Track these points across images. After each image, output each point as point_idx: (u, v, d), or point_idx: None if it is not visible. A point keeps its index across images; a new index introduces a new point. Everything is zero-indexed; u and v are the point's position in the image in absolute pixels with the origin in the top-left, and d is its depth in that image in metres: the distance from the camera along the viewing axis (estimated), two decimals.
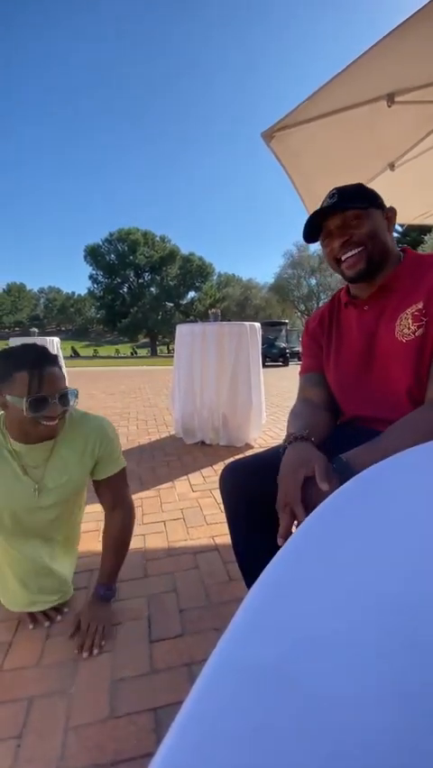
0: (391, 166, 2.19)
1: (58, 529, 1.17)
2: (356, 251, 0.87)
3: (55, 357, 0.97)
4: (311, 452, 0.76)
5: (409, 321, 0.84)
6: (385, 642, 0.23)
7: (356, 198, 0.88)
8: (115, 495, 1.20)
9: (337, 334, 1.03)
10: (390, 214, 0.92)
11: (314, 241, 0.97)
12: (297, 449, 0.78)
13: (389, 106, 1.64)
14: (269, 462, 0.92)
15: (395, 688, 0.20)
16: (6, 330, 63.39)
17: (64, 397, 0.96)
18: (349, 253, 0.88)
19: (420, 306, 0.83)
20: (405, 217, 3.01)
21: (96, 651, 1.05)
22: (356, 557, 0.31)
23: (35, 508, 1.05)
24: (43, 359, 0.94)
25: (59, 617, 1.18)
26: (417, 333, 0.83)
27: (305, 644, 0.23)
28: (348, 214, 0.87)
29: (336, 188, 0.90)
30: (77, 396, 1.02)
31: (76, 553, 1.30)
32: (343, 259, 0.90)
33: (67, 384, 1.00)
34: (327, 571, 0.30)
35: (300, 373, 1.13)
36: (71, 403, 1.00)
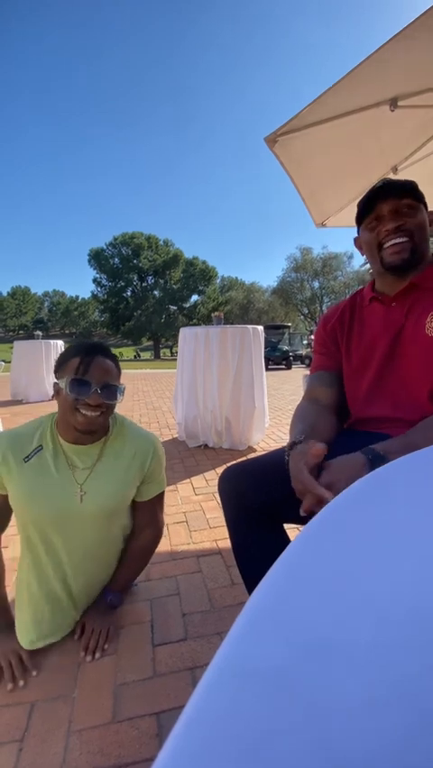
0: (395, 169, 2.19)
1: (98, 545, 1.09)
2: (404, 239, 0.87)
3: (111, 353, 0.99)
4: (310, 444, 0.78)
5: None
6: (390, 647, 0.23)
7: (411, 191, 0.89)
8: (152, 516, 1.19)
9: (359, 331, 1.01)
10: (431, 216, 0.92)
11: (362, 221, 0.96)
12: (294, 457, 0.78)
13: (392, 111, 1.65)
14: (268, 466, 0.92)
15: (400, 694, 0.20)
16: (11, 333, 63.87)
17: (109, 388, 0.95)
18: (396, 240, 0.88)
19: None
20: None
21: (98, 654, 1.05)
22: (360, 561, 0.31)
23: (76, 515, 0.99)
24: (98, 349, 0.96)
25: (34, 673, 1.01)
26: None
27: (308, 649, 0.23)
28: (403, 202, 0.87)
29: (385, 180, 0.92)
30: (123, 393, 1.00)
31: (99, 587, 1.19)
32: (386, 246, 0.90)
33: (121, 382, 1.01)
34: (331, 575, 0.30)
35: (311, 371, 1.11)
36: (117, 399, 0.98)
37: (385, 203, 0.89)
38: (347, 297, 1.11)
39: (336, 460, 0.72)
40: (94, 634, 1.08)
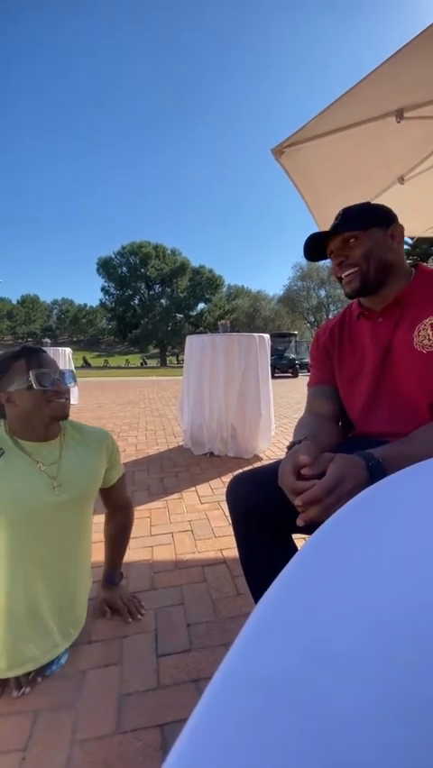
0: (401, 179, 2.20)
1: (75, 539, 1.09)
2: (352, 270, 0.92)
3: (42, 348, 1.05)
4: (302, 443, 0.79)
5: (429, 332, 0.83)
6: (396, 658, 0.23)
7: (356, 220, 0.91)
8: (121, 497, 1.28)
9: (350, 347, 1.02)
10: (395, 231, 0.91)
11: (317, 259, 1.02)
12: (285, 458, 0.78)
13: (398, 122, 1.66)
14: (276, 475, 0.92)
15: (406, 704, 0.20)
16: (20, 340, 64.56)
17: (63, 375, 1.02)
18: (346, 272, 0.93)
19: None
20: (415, 230, 3.02)
21: (143, 612, 1.25)
22: (366, 572, 0.31)
23: (53, 505, 0.99)
24: (34, 347, 1.02)
25: (39, 679, 1.00)
26: None
27: (313, 659, 0.23)
28: (346, 235, 0.92)
29: (342, 210, 0.94)
30: (74, 377, 1.08)
31: (80, 595, 1.15)
32: (342, 277, 0.95)
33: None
34: (336, 585, 0.30)
35: (309, 385, 1.12)
36: (71, 383, 1.05)
37: (332, 240, 0.94)
38: (339, 312, 1.13)
39: (339, 457, 0.70)
40: (128, 602, 1.26)
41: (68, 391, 1.04)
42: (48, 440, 1.04)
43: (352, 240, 0.91)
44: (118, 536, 1.31)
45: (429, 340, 0.83)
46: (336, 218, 0.94)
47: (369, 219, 0.91)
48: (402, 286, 0.92)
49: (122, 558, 1.34)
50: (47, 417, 0.99)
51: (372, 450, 0.71)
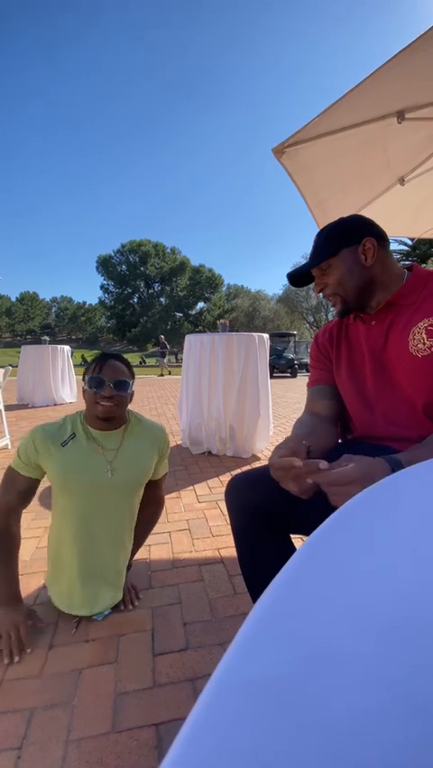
0: (402, 180, 2.20)
1: (125, 521, 1.27)
2: (331, 297, 0.96)
3: (123, 358, 1.22)
4: (286, 440, 0.80)
5: (424, 335, 0.83)
6: (394, 659, 0.23)
7: (325, 246, 0.93)
8: (157, 491, 1.41)
9: (347, 349, 1.03)
10: (366, 245, 0.90)
11: (304, 284, 1.05)
12: (276, 448, 0.79)
13: (399, 123, 1.66)
14: None
15: (404, 706, 0.20)
16: (18, 338, 64.43)
17: (119, 384, 1.15)
18: (329, 299, 0.98)
19: None
20: (414, 231, 3.01)
21: (136, 603, 1.31)
22: (365, 571, 0.31)
23: (107, 485, 1.17)
24: (110, 355, 1.20)
25: (29, 650, 1.11)
26: None
27: (312, 659, 0.23)
28: (320, 267, 0.95)
29: (318, 232, 0.97)
30: (131, 389, 1.21)
31: (124, 569, 1.31)
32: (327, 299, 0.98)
33: (133, 388, 1.23)
34: (335, 585, 0.30)
35: (308, 386, 1.12)
36: (127, 391, 1.18)
37: (313, 270, 0.98)
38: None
39: (364, 458, 0.67)
40: (127, 591, 1.32)
41: (115, 397, 1.15)
42: (111, 429, 1.22)
43: (327, 267, 0.94)
44: (142, 526, 1.39)
45: (424, 344, 0.83)
46: (313, 242, 0.97)
47: (338, 242, 0.92)
48: (394, 289, 0.92)
49: (138, 548, 1.40)
50: (94, 412, 1.17)
51: (398, 455, 0.69)
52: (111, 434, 1.22)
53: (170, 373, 14.85)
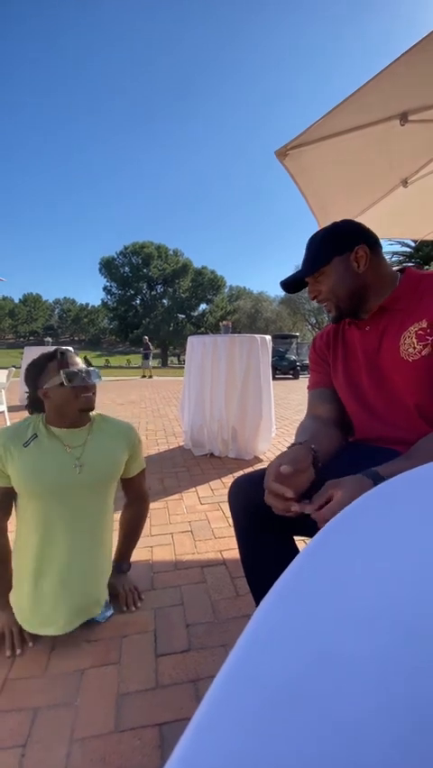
0: (405, 182, 2.20)
1: (98, 521, 1.21)
2: (324, 303, 0.97)
3: (71, 350, 1.18)
4: (292, 449, 0.81)
5: (414, 340, 0.84)
6: (397, 660, 0.23)
7: (317, 255, 0.94)
8: (140, 489, 1.38)
9: (343, 353, 1.04)
10: (359, 253, 0.90)
11: (298, 290, 1.06)
12: (274, 459, 0.80)
13: (402, 125, 1.66)
14: None
15: (408, 707, 0.20)
16: (21, 339, 64.60)
17: (89, 373, 1.14)
18: (323, 305, 0.98)
19: (424, 324, 0.83)
20: (417, 233, 3.01)
21: (139, 605, 1.30)
22: (367, 573, 0.31)
23: (76, 483, 1.13)
24: (63, 350, 1.16)
25: (30, 644, 1.13)
26: (423, 353, 0.83)
27: (315, 661, 0.23)
28: (314, 276, 0.95)
29: (310, 238, 0.98)
30: (99, 375, 1.19)
31: (106, 570, 1.26)
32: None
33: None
34: (338, 587, 0.30)
35: (309, 388, 1.13)
36: (98, 379, 1.17)
37: (308, 279, 0.98)
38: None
39: (347, 482, 0.70)
40: (129, 592, 1.33)
41: (93, 387, 1.16)
42: (78, 427, 1.18)
43: (320, 276, 0.94)
44: (131, 525, 1.40)
45: (414, 348, 0.84)
46: (306, 248, 0.97)
47: (330, 250, 0.92)
48: (387, 294, 0.92)
49: (132, 548, 1.41)
50: (76, 409, 1.13)
51: (376, 468, 0.71)
52: (76, 432, 1.17)
53: (151, 376, 14.28)
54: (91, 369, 1.17)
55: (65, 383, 1.09)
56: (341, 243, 0.91)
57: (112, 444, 1.23)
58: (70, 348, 1.20)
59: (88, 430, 1.20)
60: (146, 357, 15.30)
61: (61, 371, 1.09)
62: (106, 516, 1.24)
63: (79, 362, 1.17)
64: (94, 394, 1.17)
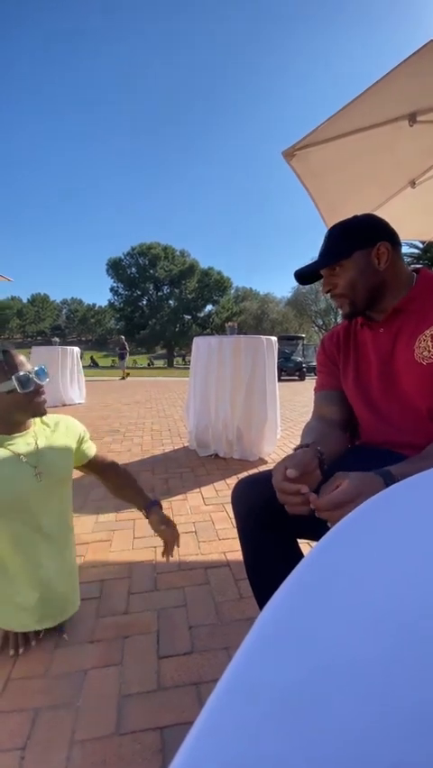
0: (412, 183, 2.19)
1: (62, 520, 1.17)
2: (339, 299, 0.94)
3: (12, 346, 1.07)
4: (298, 452, 0.79)
5: (430, 343, 0.83)
6: (403, 667, 0.22)
7: (339, 246, 0.91)
8: (105, 461, 1.33)
9: (355, 355, 1.02)
10: (381, 249, 0.88)
11: (311, 282, 1.01)
12: (281, 460, 0.78)
13: (411, 126, 1.65)
14: None
15: (414, 715, 0.20)
16: (29, 339, 65.22)
17: (39, 374, 1.06)
18: (336, 300, 0.95)
19: None
20: (426, 234, 2.99)
21: (173, 556, 1.31)
22: (373, 578, 0.30)
23: (38, 490, 1.06)
24: (5, 349, 1.04)
25: (33, 643, 1.12)
26: None
27: (319, 667, 0.23)
28: (330, 270, 0.92)
29: (328, 230, 0.95)
30: (46, 373, 1.11)
31: (76, 566, 1.25)
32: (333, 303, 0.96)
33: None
34: (343, 591, 0.29)
35: (315, 390, 1.12)
36: (45, 380, 1.08)
37: (323, 272, 0.95)
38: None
39: (356, 475, 0.69)
40: (172, 536, 1.29)
41: (43, 387, 1.09)
42: (22, 431, 1.10)
43: (337, 268, 0.91)
44: (124, 481, 1.34)
45: (430, 351, 0.83)
46: (325, 239, 0.94)
47: (352, 243, 0.89)
48: (402, 295, 0.91)
49: (142, 492, 1.33)
50: (29, 415, 1.07)
51: (389, 468, 0.70)
52: (23, 437, 1.09)
53: (126, 377, 13.29)
54: (38, 368, 1.07)
55: (18, 389, 1.00)
56: (363, 238, 0.89)
57: (64, 441, 1.17)
58: (10, 345, 1.07)
59: (34, 432, 1.12)
60: (122, 357, 14.26)
61: (13, 377, 0.99)
62: (69, 514, 1.21)
63: (25, 362, 1.06)
64: (44, 393, 1.09)
